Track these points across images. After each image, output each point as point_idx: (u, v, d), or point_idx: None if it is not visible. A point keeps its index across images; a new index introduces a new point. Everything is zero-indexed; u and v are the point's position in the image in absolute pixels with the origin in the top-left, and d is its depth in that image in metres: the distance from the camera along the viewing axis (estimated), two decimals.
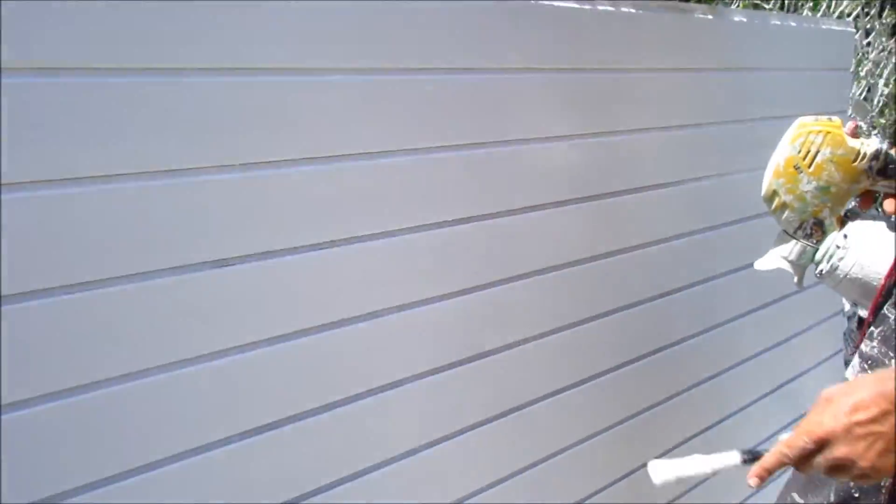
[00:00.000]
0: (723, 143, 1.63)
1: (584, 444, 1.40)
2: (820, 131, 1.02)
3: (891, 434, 0.67)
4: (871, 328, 0.93)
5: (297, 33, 0.91)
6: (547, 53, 1.23)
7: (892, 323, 0.91)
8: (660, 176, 1.48)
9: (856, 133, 1.04)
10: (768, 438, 1.86)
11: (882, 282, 0.94)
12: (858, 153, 1.01)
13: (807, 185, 1.02)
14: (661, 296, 1.52)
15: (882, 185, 1.03)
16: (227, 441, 0.89)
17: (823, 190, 1.02)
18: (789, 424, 1.80)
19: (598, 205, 1.35)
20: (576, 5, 1.28)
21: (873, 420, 0.67)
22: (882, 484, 0.88)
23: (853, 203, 1.08)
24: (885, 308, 0.91)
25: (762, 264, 1.10)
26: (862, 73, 2.43)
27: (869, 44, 2.48)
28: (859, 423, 0.68)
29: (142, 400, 0.82)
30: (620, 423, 1.48)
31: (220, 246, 0.86)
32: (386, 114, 1.01)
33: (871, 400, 0.68)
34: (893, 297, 0.91)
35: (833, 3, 2.05)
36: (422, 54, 1.05)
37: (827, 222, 1.04)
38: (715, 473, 0.84)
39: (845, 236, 1.00)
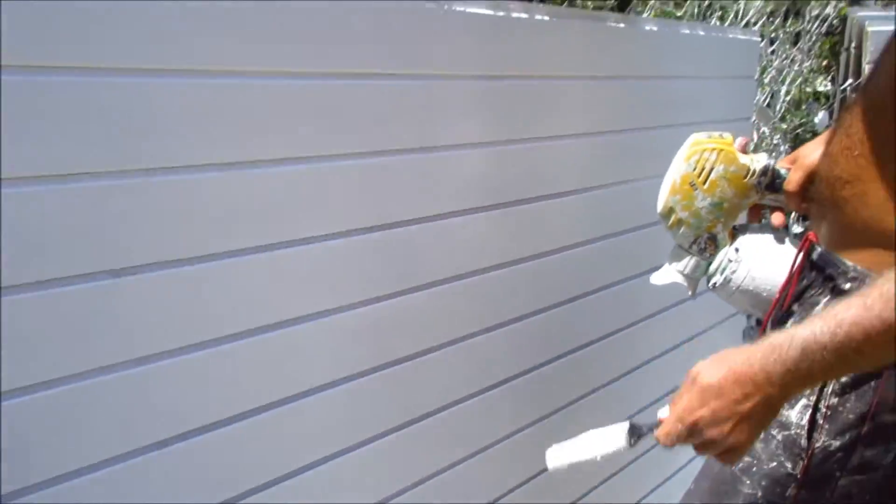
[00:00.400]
0: (634, 150, 1.67)
1: (498, 445, 1.42)
2: (713, 149, 1.05)
3: (751, 413, 0.77)
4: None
5: (194, 33, 0.87)
6: (458, 60, 1.23)
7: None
8: (568, 183, 1.50)
9: (745, 149, 1.08)
10: None
11: (776, 294, 0.98)
12: (749, 169, 1.04)
13: (701, 202, 1.05)
14: (569, 301, 1.55)
15: (770, 199, 1.07)
16: (140, 452, 0.87)
17: (717, 206, 1.05)
18: (664, 396, 1.85)
19: (507, 212, 1.36)
20: (490, 12, 1.28)
21: (736, 402, 0.76)
22: (787, 494, 0.91)
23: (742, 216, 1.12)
24: (788, 324, 0.94)
25: (658, 279, 1.13)
26: (766, 81, 2.53)
27: (773, 52, 2.58)
28: (723, 407, 0.77)
29: (60, 408, 0.79)
30: (531, 424, 1.50)
31: (121, 254, 0.83)
32: (290, 119, 0.99)
33: (732, 384, 0.77)
34: (796, 315, 0.94)
35: (740, 12, 2.12)
36: (330, 57, 1.03)
37: (720, 237, 1.07)
38: (604, 459, 0.91)
39: (737, 250, 1.04)
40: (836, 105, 2.68)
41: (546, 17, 1.40)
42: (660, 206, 1.08)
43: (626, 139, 1.64)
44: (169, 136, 0.86)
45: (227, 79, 0.91)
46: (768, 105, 2.56)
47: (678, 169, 1.06)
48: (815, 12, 2.54)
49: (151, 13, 0.82)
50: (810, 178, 1.00)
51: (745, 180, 1.05)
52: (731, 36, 2.10)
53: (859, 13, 2.55)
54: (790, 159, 1.06)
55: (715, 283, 1.07)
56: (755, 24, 2.27)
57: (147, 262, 0.85)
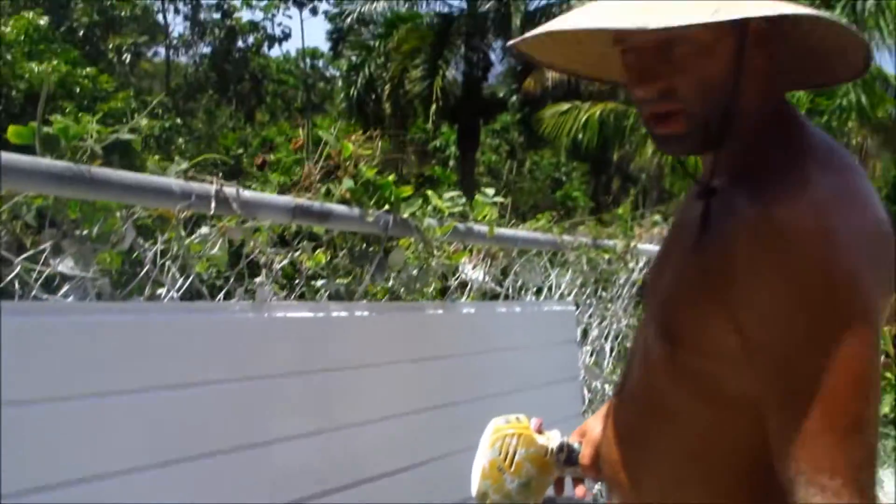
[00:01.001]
0: (457, 423, 1.78)
1: None
2: (514, 433, 1.15)
3: None
4: None
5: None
6: (281, 361, 1.35)
7: None
8: (390, 464, 1.56)
9: (540, 429, 1.21)
10: None
11: None
12: (547, 449, 1.15)
13: (510, 484, 1.12)
14: None
15: (569, 472, 1.19)
16: None
17: (525, 486, 1.13)
18: None
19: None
20: (310, 314, 1.44)
21: None
22: None
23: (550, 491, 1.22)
24: None
25: None
26: (588, 341, 2.80)
27: (590, 315, 2.89)
28: None
29: None
30: None
31: None
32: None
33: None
34: None
35: (552, 286, 2.41)
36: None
37: None
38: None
39: None
40: None
41: (366, 313, 1.58)
42: (474, 491, 1.14)
43: (447, 413, 1.76)
44: None
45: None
46: (595, 363, 2.82)
47: (485, 455, 1.14)
48: (622, 279, 2.92)
49: None
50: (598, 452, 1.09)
51: (546, 458, 1.13)
52: (545, 309, 2.38)
53: None
54: (579, 432, 1.18)
55: None
56: (569, 294, 2.57)
57: None
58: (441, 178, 21.66)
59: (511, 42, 0.95)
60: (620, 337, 3.01)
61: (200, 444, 1.17)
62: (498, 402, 1.89)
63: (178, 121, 13.85)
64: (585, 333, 2.77)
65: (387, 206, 1.61)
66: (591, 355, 2.79)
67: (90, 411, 1.04)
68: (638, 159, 9.79)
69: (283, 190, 1.54)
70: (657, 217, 3.25)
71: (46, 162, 1.01)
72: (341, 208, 1.51)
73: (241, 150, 16.93)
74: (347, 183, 1.56)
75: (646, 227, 3.19)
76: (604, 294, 2.93)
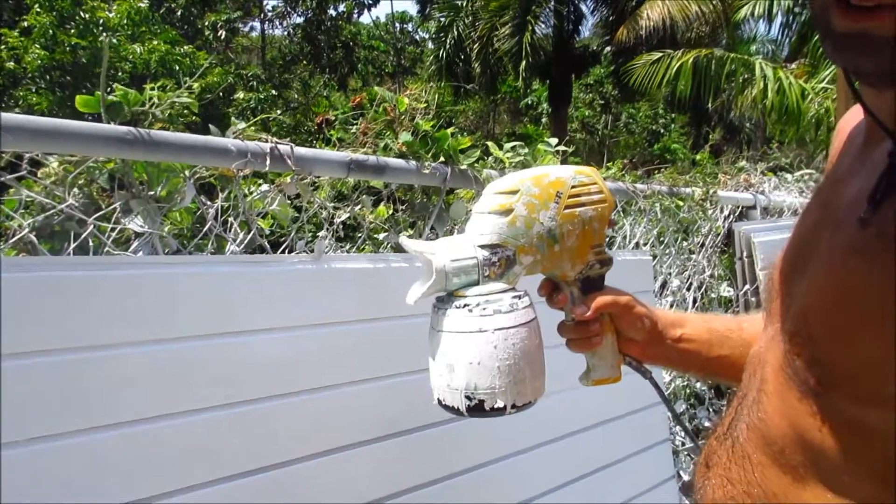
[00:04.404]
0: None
1: None
2: (603, 197, 0.93)
3: None
4: None
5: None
6: (340, 307, 1.41)
7: None
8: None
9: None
10: None
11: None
12: (604, 242, 0.97)
13: (545, 219, 0.90)
14: None
15: (570, 292, 0.97)
16: None
17: (552, 238, 0.90)
18: None
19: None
20: (369, 265, 1.49)
21: None
22: None
23: None
24: None
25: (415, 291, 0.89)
26: (668, 292, 2.75)
27: (669, 266, 2.83)
28: None
29: None
30: None
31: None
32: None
33: None
34: None
35: (627, 236, 2.38)
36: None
37: (517, 268, 0.91)
38: None
39: (518, 297, 0.89)
40: (740, 307, 2.90)
41: None
42: (510, 182, 0.89)
43: None
44: None
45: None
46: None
47: (559, 172, 0.90)
48: (705, 228, 2.84)
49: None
50: (611, 307, 0.94)
51: (592, 248, 0.92)
52: (619, 258, 2.35)
53: (744, 227, 2.86)
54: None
55: (442, 306, 0.85)
56: (645, 244, 2.53)
57: None
58: (533, 135, 21.44)
59: None
60: (704, 287, 2.93)
61: (257, 390, 1.25)
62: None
63: (274, 92, 14.26)
64: (665, 284, 2.72)
65: (444, 159, 1.63)
66: (672, 306, 2.74)
67: (154, 357, 1.13)
68: (737, 107, 9.33)
69: (342, 147, 1.59)
70: (744, 163, 3.12)
71: (108, 127, 1.09)
72: (397, 161, 1.54)
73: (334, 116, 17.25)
74: (404, 136, 1.59)
75: (731, 173, 3.08)
76: (684, 244, 2.86)
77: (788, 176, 3.41)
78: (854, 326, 0.61)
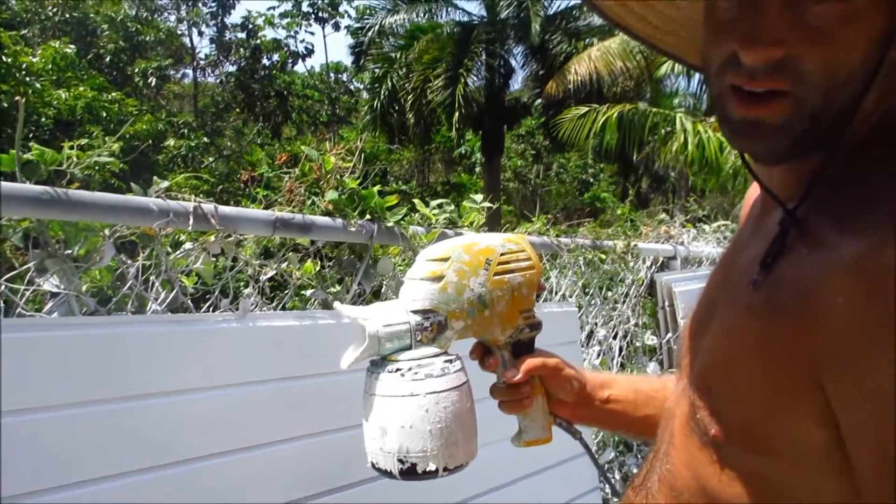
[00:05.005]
0: None
1: None
2: (530, 262, 0.96)
3: None
4: None
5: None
6: (264, 367, 1.40)
7: None
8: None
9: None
10: None
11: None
12: (533, 307, 1.00)
13: (476, 286, 0.92)
14: None
15: (501, 356, 0.98)
16: None
17: (482, 303, 0.92)
18: None
19: None
20: (295, 322, 1.49)
21: None
22: None
23: None
24: None
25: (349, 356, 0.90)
26: (594, 341, 2.81)
27: (594, 316, 2.89)
28: None
29: None
30: None
31: None
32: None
33: None
34: None
35: (553, 288, 2.43)
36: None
37: (448, 332, 0.92)
38: None
39: (450, 361, 0.91)
40: (663, 355, 2.98)
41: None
42: (441, 250, 0.92)
43: None
44: None
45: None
46: (603, 362, 2.83)
47: (488, 240, 0.93)
48: (629, 279, 2.93)
49: None
50: (541, 370, 0.95)
51: (522, 313, 0.95)
52: (546, 310, 2.40)
53: (665, 277, 2.96)
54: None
55: (375, 370, 0.87)
56: (571, 296, 2.59)
57: None
58: (467, 184, 21.75)
59: None
60: (629, 336, 3.02)
61: (184, 451, 1.22)
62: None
63: (205, 140, 14.12)
64: (591, 334, 2.78)
65: (370, 216, 1.66)
66: (599, 356, 2.80)
67: (75, 421, 1.10)
68: (661, 159, 9.73)
69: (269, 204, 1.59)
70: (662, 215, 3.25)
71: (24, 187, 1.07)
72: (323, 219, 1.56)
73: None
74: (331, 194, 1.61)
75: (652, 225, 3.20)
76: (609, 294, 2.95)
77: (706, 227, 3.57)
78: (747, 383, 0.66)
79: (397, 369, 0.85)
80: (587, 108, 9.71)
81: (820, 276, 0.59)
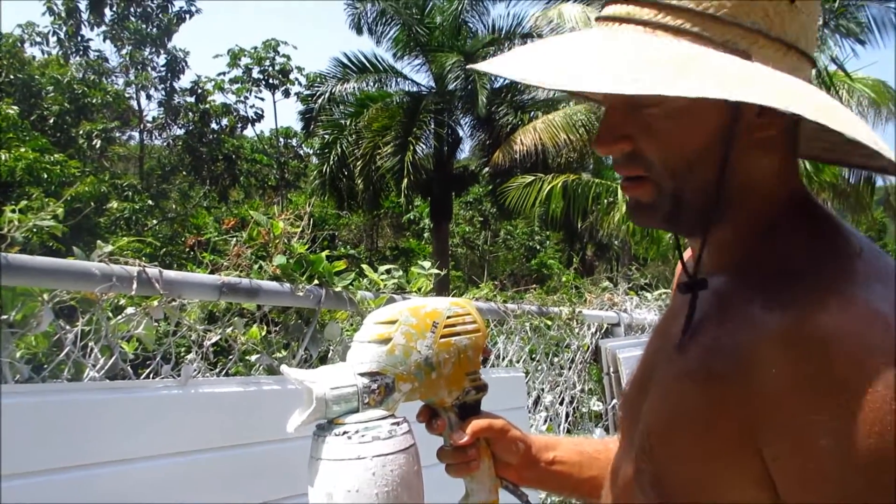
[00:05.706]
0: None
1: None
2: (476, 326, 0.97)
3: None
4: None
5: None
6: (207, 435, 1.37)
7: None
8: None
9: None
10: None
11: None
12: (478, 371, 0.99)
13: (423, 348, 0.93)
14: None
15: (449, 418, 0.98)
16: None
17: (428, 366, 0.93)
18: None
19: None
20: (239, 388, 1.46)
21: None
22: None
23: None
24: None
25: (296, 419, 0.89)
26: (541, 407, 2.82)
27: (541, 381, 2.91)
28: None
29: None
30: None
31: None
32: None
33: None
34: None
35: (500, 353, 2.44)
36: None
37: (396, 395, 0.92)
38: None
39: (397, 423, 0.89)
40: (608, 421, 3.00)
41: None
42: (389, 313, 0.92)
43: None
44: None
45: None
46: (549, 427, 2.84)
47: (435, 303, 0.95)
48: (574, 345, 2.96)
49: None
50: (487, 432, 0.95)
51: (468, 375, 0.95)
52: (493, 376, 2.41)
53: (609, 343, 3.01)
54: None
55: (321, 434, 0.86)
56: (518, 361, 2.61)
57: None
58: (416, 249, 21.85)
59: (471, 66, 0.83)
60: (575, 402, 3.04)
61: None
62: None
63: (150, 202, 13.92)
64: (538, 400, 2.79)
65: (318, 281, 1.66)
66: (546, 421, 2.81)
67: (6, 495, 1.05)
68: (604, 228, 9.98)
69: (215, 269, 1.58)
70: (606, 283, 3.32)
71: None
72: (271, 284, 1.55)
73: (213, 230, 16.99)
74: (279, 259, 1.61)
75: (596, 292, 3.26)
76: (555, 360, 2.98)
77: (648, 294, 3.65)
78: (687, 446, 0.69)
79: (344, 432, 0.84)
80: (533, 178, 9.95)
81: (751, 345, 0.63)
